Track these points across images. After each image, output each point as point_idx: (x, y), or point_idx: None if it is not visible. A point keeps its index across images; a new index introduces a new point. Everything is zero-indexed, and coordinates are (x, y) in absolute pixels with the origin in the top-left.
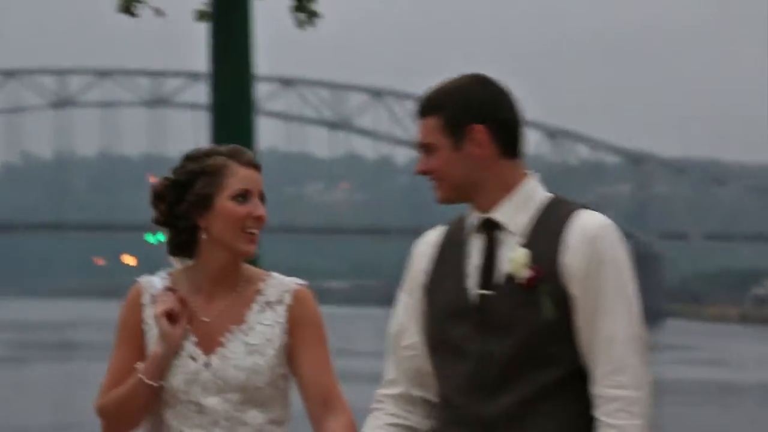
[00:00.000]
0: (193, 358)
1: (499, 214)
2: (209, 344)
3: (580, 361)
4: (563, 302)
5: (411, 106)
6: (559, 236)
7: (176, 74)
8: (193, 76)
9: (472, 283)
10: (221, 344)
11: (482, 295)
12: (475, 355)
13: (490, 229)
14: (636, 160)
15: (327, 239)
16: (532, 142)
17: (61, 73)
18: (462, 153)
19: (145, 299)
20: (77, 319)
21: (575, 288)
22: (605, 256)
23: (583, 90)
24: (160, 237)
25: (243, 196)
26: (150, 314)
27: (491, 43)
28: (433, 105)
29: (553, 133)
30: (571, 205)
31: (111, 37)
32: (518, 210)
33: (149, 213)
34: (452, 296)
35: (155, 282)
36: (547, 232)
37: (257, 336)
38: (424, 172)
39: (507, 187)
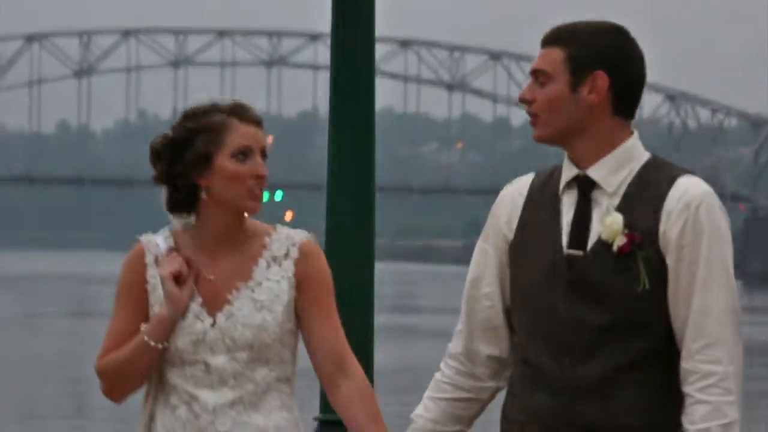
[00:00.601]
0: (200, 319)
1: (595, 172)
2: (215, 303)
3: (671, 333)
4: (658, 271)
5: (528, 68)
6: (657, 202)
7: (294, 34)
8: (312, 36)
9: (563, 242)
10: (228, 302)
11: (573, 256)
12: (565, 319)
13: (585, 185)
14: (756, 124)
15: (440, 199)
16: (651, 103)
17: (179, 32)
18: (576, 95)
19: (149, 259)
20: None
21: (671, 257)
22: (705, 225)
23: (707, 52)
24: (277, 196)
25: (243, 153)
26: (153, 274)
27: (613, 4)
28: (563, 36)
29: (672, 96)
30: (672, 170)
31: None
32: (616, 169)
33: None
34: (542, 253)
35: (158, 241)
36: (645, 196)
37: (265, 292)
38: (528, 101)
39: (609, 143)
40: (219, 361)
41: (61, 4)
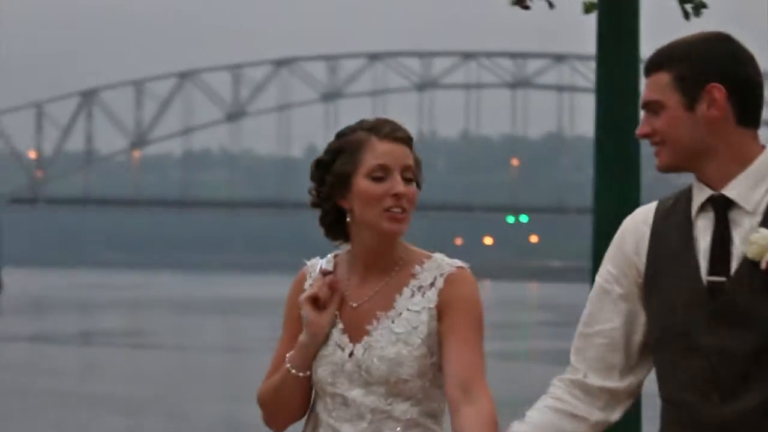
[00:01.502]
0: (341, 347)
1: (732, 190)
2: (356, 332)
3: None
4: None
5: None
6: None
7: (539, 55)
8: (556, 57)
9: (702, 269)
10: (367, 332)
11: (715, 283)
12: (711, 351)
13: (722, 207)
14: None
15: None
16: None
17: (424, 55)
18: (694, 114)
19: (308, 283)
20: None
21: None
22: None
23: None
24: (522, 218)
25: (381, 173)
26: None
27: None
28: (665, 59)
29: None
30: None
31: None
32: (754, 186)
33: (510, 194)
34: (680, 283)
35: (320, 264)
36: None
37: (403, 323)
38: (647, 135)
39: (741, 159)
40: (356, 394)
41: (310, 30)
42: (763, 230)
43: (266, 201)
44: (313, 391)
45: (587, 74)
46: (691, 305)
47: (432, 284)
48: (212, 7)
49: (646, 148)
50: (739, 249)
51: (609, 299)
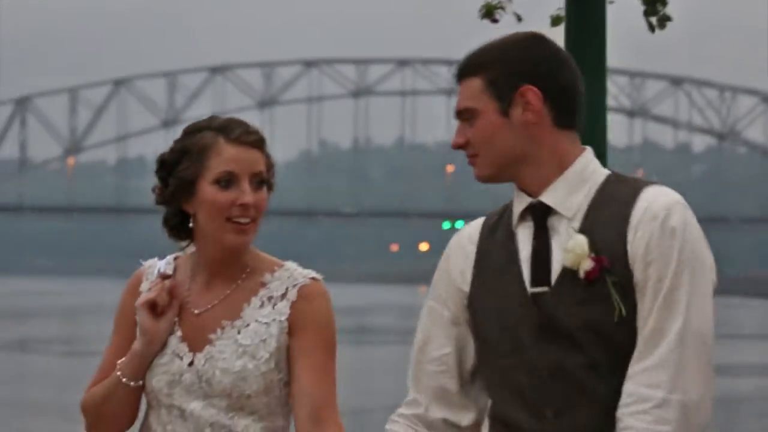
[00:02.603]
0: (179, 356)
1: (549, 197)
2: (198, 341)
3: None
4: (633, 294)
5: (710, 94)
6: (622, 219)
7: None
8: None
9: (527, 280)
10: (209, 342)
11: (539, 294)
12: (539, 367)
13: (541, 214)
14: None
15: None
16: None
17: (360, 62)
18: (509, 119)
19: (144, 286)
20: (375, 304)
21: (638, 275)
22: (675, 238)
23: None
24: (458, 224)
25: (227, 180)
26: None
27: None
28: (477, 63)
29: None
30: (634, 183)
31: (409, 27)
32: (572, 191)
33: (446, 201)
34: (505, 298)
35: (159, 267)
36: (607, 215)
37: (250, 335)
38: (461, 146)
39: (560, 163)
40: (195, 406)
41: (244, 37)
42: (578, 236)
43: None
44: (145, 402)
45: None
46: (518, 321)
47: (284, 295)
48: (147, 13)
49: (613, 157)
50: (558, 257)
51: (440, 323)
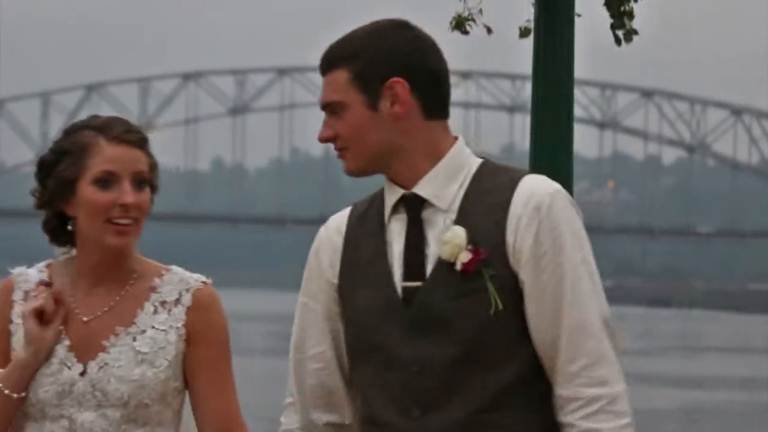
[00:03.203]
0: (67, 366)
1: (423, 188)
2: (88, 349)
3: (538, 361)
4: (512, 288)
5: (681, 106)
6: (501, 210)
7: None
8: (511, 77)
9: (397, 275)
10: (103, 349)
11: (410, 289)
12: (408, 363)
13: (415, 206)
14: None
15: (591, 238)
16: None
17: None
18: (378, 113)
19: (17, 295)
20: None
21: (527, 270)
22: (562, 228)
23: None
24: None
25: (106, 180)
26: (19, 313)
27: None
28: (341, 55)
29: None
30: (511, 172)
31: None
32: (447, 182)
33: None
34: (373, 292)
35: (31, 275)
36: (485, 206)
37: (148, 342)
38: (328, 139)
39: (432, 154)
40: (86, 417)
41: (217, 44)
42: (455, 228)
43: (172, 214)
44: (23, 414)
45: (493, 91)
46: (387, 315)
47: (177, 300)
48: (120, 19)
49: (582, 168)
50: (433, 250)
51: (314, 320)
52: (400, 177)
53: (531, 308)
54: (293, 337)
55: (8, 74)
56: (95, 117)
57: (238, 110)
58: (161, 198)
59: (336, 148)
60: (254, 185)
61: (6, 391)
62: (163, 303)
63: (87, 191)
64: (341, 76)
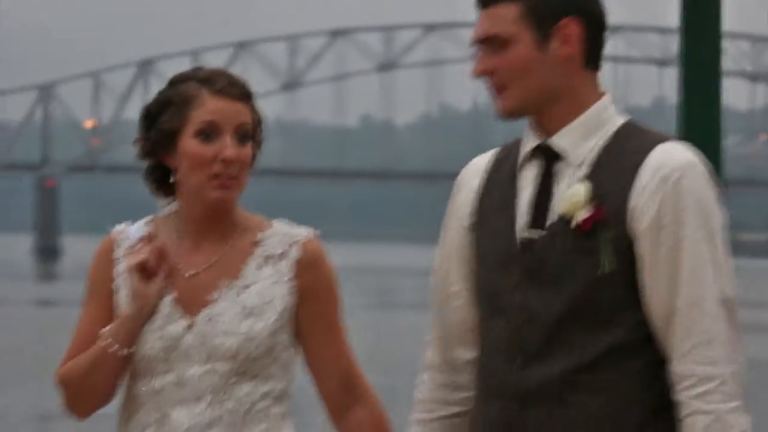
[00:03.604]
0: (174, 320)
1: (560, 140)
2: (194, 303)
3: (644, 328)
4: (628, 253)
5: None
6: (629, 175)
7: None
8: (661, 30)
9: (520, 224)
10: (209, 303)
11: (530, 239)
12: (518, 312)
13: (547, 158)
14: None
15: (743, 191)
16: None
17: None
18: (546, 52)
19: (119, 253)
20: None
21: (646, 240)
22: (688, 201)
23: None
24: None
25: (208, 133)
26: (122, 272)
27: None
28: None
29: None
30: (650, 137)
31: None
32: (584, 137)
33: None
34: (498, 238)
35: (132, 232)
36: (615, 168)
37: (255, 296)
38: (486, 72)
39: (579, 105)
40: (195, 372)
41: (366, 1)
42: (578, 185)
43: (321, 170)
44: (132, 370)
45: (643, 45)
46: (506, 263)
47: (284, 254)
48: None
49: (734, 121)
50: (556, 205)
51: (453, 258)
52: (542, 124)
53: (646, 278)
54: (435, 275)
55: (158, 33)
56: (200, 69)
57: (386, 66)
58: (311, 155)
59: (492, 84)
60: (403, 141)
61: (114, 348)
62: (268, 257)
63: (189, 144)
64: (511, 9)
